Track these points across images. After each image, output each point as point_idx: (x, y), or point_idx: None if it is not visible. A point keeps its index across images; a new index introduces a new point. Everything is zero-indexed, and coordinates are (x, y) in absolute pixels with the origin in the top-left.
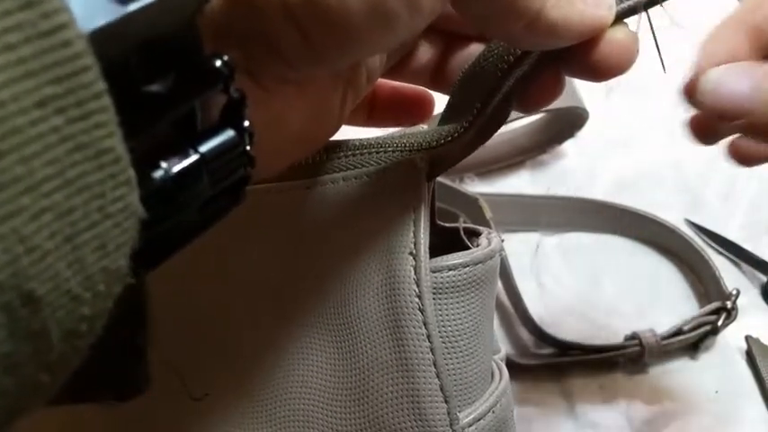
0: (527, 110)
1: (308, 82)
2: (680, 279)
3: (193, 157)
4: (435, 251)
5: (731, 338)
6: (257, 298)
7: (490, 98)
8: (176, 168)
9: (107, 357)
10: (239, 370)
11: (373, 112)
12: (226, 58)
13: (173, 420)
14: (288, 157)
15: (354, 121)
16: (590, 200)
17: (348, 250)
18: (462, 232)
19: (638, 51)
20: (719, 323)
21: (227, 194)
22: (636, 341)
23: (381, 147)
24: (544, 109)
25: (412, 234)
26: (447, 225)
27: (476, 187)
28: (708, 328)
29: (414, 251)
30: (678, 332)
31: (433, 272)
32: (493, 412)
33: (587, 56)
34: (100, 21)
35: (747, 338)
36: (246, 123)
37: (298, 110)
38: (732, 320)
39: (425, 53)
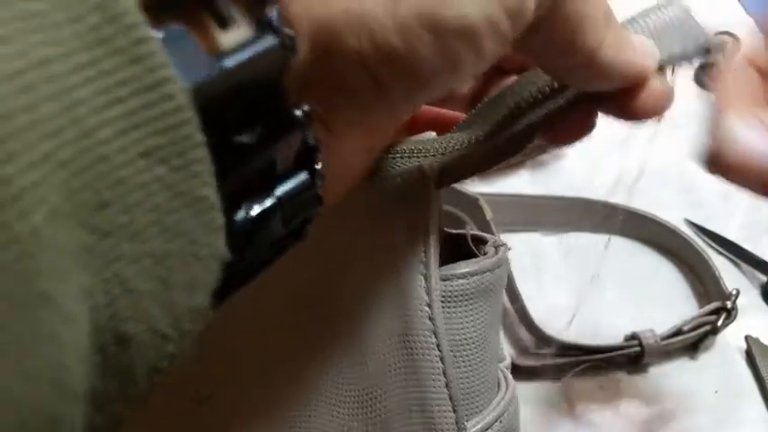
0: (552, 143)
1: (375, 124)
2: (680, 279)
3: (271, 200)
4: (440, 257)
5: (731, 338)
6: (265, 305)
7: (514, 120)
8: (255, 211)
9: None
10: (243, 373)
11: (412, 132)
12: (306, 108)
13: (176, 421)
14: (343, 189)
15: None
16: (590, 200)
17: (357, 257)
18: (470, 240)
19: (672, 101)
20: (719, 323)
21: (292, 232)
22: (636, 341)
23: (390, 153)
24: None
25: (421, 242)
26: (453, 232)
27: (476, 187)
28: (708, 328)
29: (423, 259)
30: (678, 332)
31: (442, 280)
32: (500, 422)
33: (628, 101)
34: (199, 76)
35: (747, 338)
36: (319, 166)
37: (359, 147)
38: (732, 320)
39: (467, 84)
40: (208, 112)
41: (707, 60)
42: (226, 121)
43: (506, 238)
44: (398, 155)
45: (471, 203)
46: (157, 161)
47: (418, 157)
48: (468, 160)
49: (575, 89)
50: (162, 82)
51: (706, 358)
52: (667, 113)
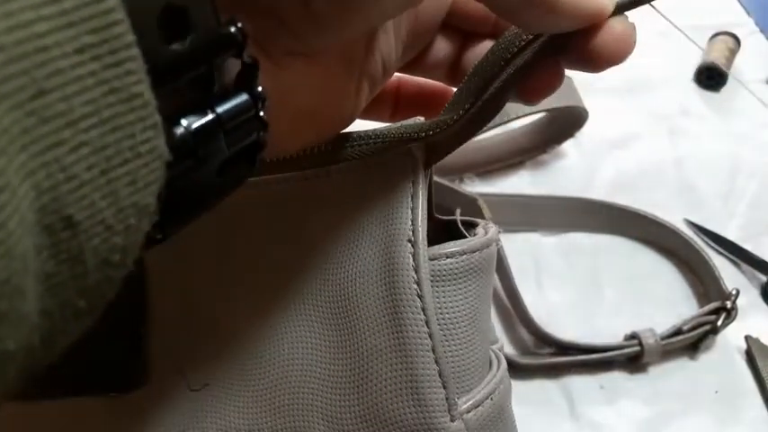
0: (526, 100)
1: (317, 56)
2: (680, 279)
3: (210, 116)
4: (433, 243)
5: (731, 338)
6: (257, 287)
7: (487, 85)
8: (195, 125)
9: (107, 350)
10: (239, 359)
11: (398, 108)
12: (239, 24)
13: (173, 411)
14: (301, 137)
15: (380, 116)
16: (590, 200)
17: (348, 238)
18: (459, 223)
19: (635, 42)
20: (719, 323)
21: (243, 160)
22: (636, 341)
23: (378, 137)
24: (544, 108)
25: (410, 221)
26: (444, 217)
27: (476, 187)
28: (707, 327)
29: (412, 238)
30: (678, 332)
31: (431, 260)
32: (491, 399)
33: (586, 44)
34: None
35: (747, 338)
36: (259, 88)
37: (307, 85)
38: (732, 320)
39: (442, 49)
40: (137, 19)
41: None
42: (156, 29)
43: (506, 238)
44: (387, 138)
45: (470, 203)
46: (91, 57)
47: (407, 140)
48: (451, 134)
49: (540, 43)
50: None
51: (706, 358)
52: (666, 113)
